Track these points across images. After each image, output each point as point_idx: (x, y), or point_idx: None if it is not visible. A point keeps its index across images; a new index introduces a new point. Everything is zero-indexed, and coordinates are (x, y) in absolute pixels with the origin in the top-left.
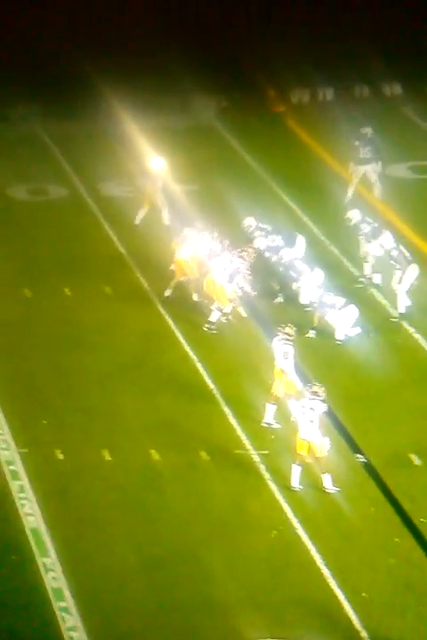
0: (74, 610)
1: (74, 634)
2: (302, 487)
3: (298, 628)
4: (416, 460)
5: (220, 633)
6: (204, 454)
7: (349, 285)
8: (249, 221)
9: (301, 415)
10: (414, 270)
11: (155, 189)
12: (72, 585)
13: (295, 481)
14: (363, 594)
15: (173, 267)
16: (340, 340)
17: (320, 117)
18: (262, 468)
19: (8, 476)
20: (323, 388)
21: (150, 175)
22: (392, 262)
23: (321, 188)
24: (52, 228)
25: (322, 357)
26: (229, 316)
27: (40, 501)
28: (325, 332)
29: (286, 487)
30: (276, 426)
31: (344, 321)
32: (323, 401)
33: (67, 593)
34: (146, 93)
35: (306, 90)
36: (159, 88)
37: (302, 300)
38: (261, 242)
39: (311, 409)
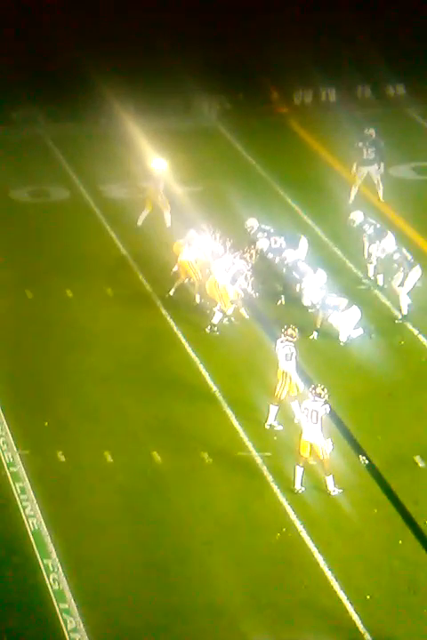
0: (75, 611)
1: (75, 635)
2: (305, 489)
3: (302, 630)
4: (420, 462)
5: (223, 635)
6: (206, 456)
7: (352, 287)
8: (251, 223)
9: (304, 417)
10: (416, 272)
11: (157, 191)
12: (74, 587)
13: (298, 483)
14: (367, 595)
15: (175, 268)
16: (343, 342)
17: (323, 118)
18: (265, 469)
19: (10, 478)
20: (326, 390)
21: (152, 177)
22: (395, 265)
23: (324, 189)
24: (54, 230)
25: (325, 359)
26: (232, 318)
27: (41, 503)
28: (328, 334)
29: (289, 489)
30: (279, 427)
31: (347, 322)
32: (326, 402)
33: (68, 595)
34: (148, 95)
35: (309, 91)
36: (162, 89)
37: (305, 301)
38: (263, 243)
39: (314, 410)
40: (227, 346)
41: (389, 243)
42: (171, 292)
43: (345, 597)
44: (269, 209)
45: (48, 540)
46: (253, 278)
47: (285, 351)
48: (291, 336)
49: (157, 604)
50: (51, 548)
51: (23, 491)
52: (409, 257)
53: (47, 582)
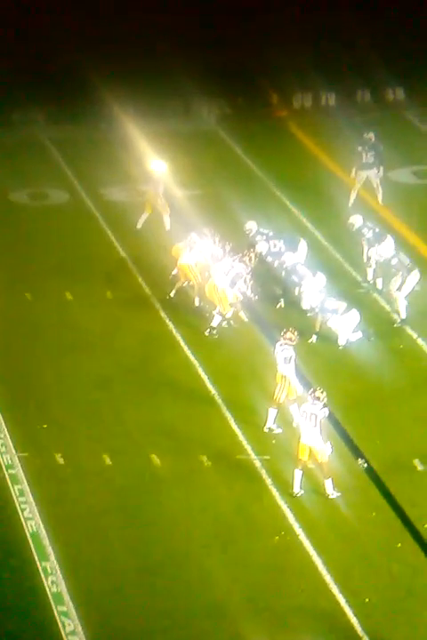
0: (73, 614)
1: (73, 638)
2: (303, 492)
3: (300, 633)
4: (419, 466)
5: (221, 638)
6: (205, 459)
7: (351, 290)
8: (250, 225)
9: (302, 420)
10: (414, 277)
11: (156, 194)
12: (72, 589)
13: (297, 486)
14: (365, 599)
15: (175, 272)
16: (342, 345)
17: (323, 122)
18: (264, 472)
19: (8, 481)
20: (325, 393)
21: (152, 179)
22: (393, 270)
23: (323, 193)
24: (53, 233)
25: (324, 362)
26: (231, 321)
27: (40, 505)
28: (327, 337)
29: (287, 492)
30: (277, 431)
31: (346, 326)
32: (325, 406)
33: (66, 597)
34: (148, 97)
35: (308, 94)
36: (162, 92)
37: (304, 304)
38: (262, 246)
39: (313, 414)
40: (226, 349)
41: (387, 247)
42: (171, 294)
43: (343, 600)
44: (268, 212)
45: (46, 542)
46: (252, 281)
47: (284, 354)
48: (290, 339)
49: (155, 606)
50: (49, 550)
51: (22, 493)
52: (407, 262)
53: (45, 585)
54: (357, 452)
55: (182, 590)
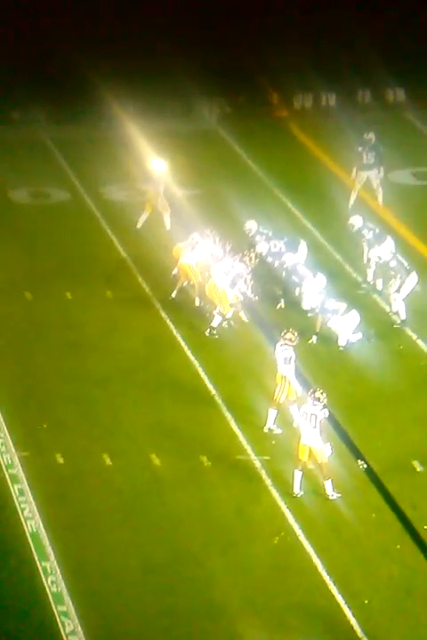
0: (73, 614)
1: (74, 638)
2: (303, 493)
3: (299, 633)
4: (419, 467)
5: (221, 638)
6: (205, 459)
7: (351, 291)
8: (250, 225)
9: (302, 421)
10: (413, 279)
11: (157, 194)
12: (72, 589)
13: (297, 487)
14: (365, 600)
15: (175, 271)
16: (342, 346)
17: (323, 122)
18: (264, 473)
19: (8, 480)
20: (325, 394)
21: (152, 179)
22: (391, 272)
23: (324, 194)
24: (54, 232)
25: (324, 363)
26: (231, 321)
27: (40, 505)
28: (327, 338)
29: (287, 493)
30: (277, 431)
31: (346, 327)
32: (325, 406)
33: (66, 597)
34: (149, 97)
35: (309, 95)
36: (162, 92)
37: (305, 305)
38: (263, 247)
39: (313, 415)
40: (226, 349)
41: (387, 248)
42: (173, 294)
43: (343, 602)
44: (268, 212)
45: (46, 542)
46: (252, 282)
47: (284, 355)
48: (290, 340)
49: (155, 606)
50: (49, 550)
51: (22, 493)
52: (406, 264)
53: (45, 585)
54: (357, 453)
55: (182, 590)
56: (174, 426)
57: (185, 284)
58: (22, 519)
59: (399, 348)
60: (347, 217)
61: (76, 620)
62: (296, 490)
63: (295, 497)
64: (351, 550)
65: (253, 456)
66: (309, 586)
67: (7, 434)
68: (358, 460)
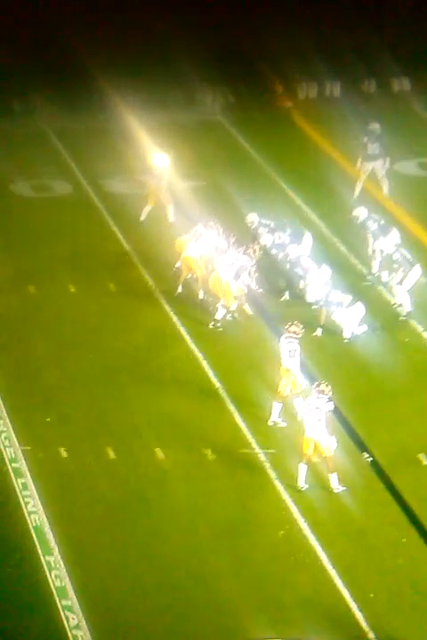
0: (77, 608)
1: (78, 632)
2: (308, 486)
3: (304, 627)
4: (425, 460)
5: (225, 632)
6: (209, 453)
7: (356, 283)
8: (251, 218)
9: (307, 414)
10: (416, 271)
11: (159, 186)
12: (76, 583)
13: (302, 480)
14: (370, 594)
15: (178, 264)
16: (347, 339)
17: (327, 113)
18: (268, 467)
19: (12, 474)
20: (330, 387)
21: (155, 172)
22: (395, 265)
23: (328, 185)
24: (57, 225)
25: (329, 356)
26: (235, 314)
27: (43, 499)
28: (332, 331)
29: (292, 486)
30: (282, 424)
31: (351, 319)
32: (330, 399)
33: (70, 591)
34: (151, 88)
35: (313, 85)
36: (165, 82)
37: (309, 297)
38: (267, 239)
39: (318, 408)
40: (230, 342)
41: (391, 240)
42: (179, 290)
43: (348, 595)
44: (273, 204)
45: (50, 536)
46: (256, 274)
47: (288, 348)
48: (295, 332)
49: (158, 599)
50: (53, 544)
51: (25, 487)
52: (409, 256)
53: (49, 579)
54: (362, 446)
55: (186, 583)
56: (178, 419)
57: (188, 276)
58: (26, 513)
59: (405, 341)
60: (352, 208)
61: (81, 614)
62: (301, 483)
63: (300, 490)
64: (357, 543)
65: (257, 449)
66: (314, 579)
67: (10, 427)
68: (364, 453)
